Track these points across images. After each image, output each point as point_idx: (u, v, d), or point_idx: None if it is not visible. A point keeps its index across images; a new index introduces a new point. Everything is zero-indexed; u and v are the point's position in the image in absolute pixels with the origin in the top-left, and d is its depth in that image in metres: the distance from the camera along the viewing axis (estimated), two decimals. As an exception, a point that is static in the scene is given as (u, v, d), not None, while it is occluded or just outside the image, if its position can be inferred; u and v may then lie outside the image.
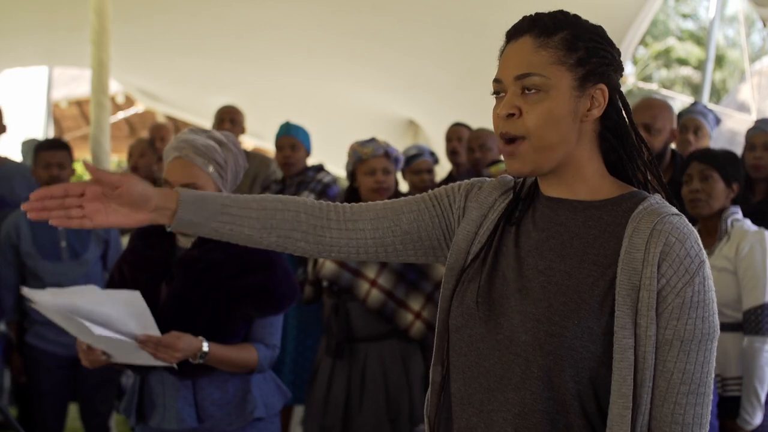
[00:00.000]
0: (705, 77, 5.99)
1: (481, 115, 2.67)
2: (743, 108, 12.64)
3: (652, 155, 1.42)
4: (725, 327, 2.90)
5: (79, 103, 11.51)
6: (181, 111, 8.29)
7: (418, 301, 3.16)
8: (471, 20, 5.14)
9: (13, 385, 4.13)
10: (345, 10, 5.44)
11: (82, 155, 8.42)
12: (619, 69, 1.38)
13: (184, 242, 2.31)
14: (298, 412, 4.29)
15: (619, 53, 1.39)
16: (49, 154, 3.75)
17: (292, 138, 4.19)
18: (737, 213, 2.95)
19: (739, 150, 3.77)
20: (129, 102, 10.44)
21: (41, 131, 8.35)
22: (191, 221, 1.39)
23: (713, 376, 1.30)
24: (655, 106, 3.36)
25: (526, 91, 1.32)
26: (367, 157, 3.38)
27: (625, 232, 1.30)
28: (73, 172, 3.87)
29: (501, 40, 1.42)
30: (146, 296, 2.12)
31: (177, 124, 10.04)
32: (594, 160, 1.38)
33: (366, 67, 6.30)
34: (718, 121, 4.16)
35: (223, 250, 2.19)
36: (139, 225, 1.37)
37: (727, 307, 2.90)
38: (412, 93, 6.67)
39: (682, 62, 18.24)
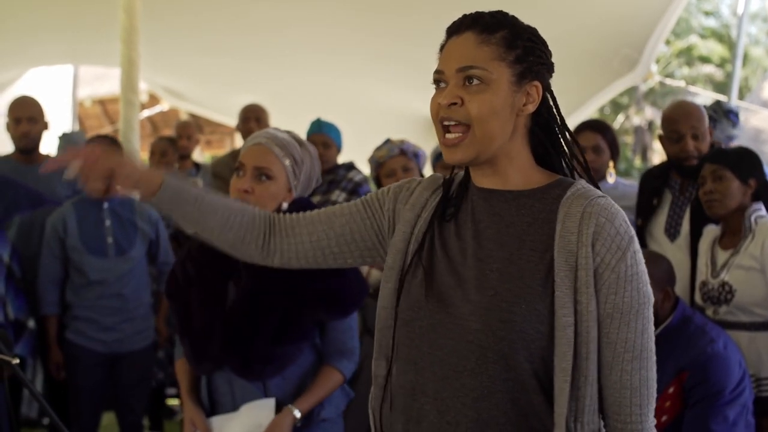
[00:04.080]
0: (734, 73, 5.94)
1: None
2: (767, 105, 12.53)
3: (580, 147, 1.53)
4: (757, 326, 2.89)
5: (102, 102, 11.60)
6: (206, 109, 8.31)
7: None
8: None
9: (45, 381, 4.15)
10: (369, 8, 5.44)
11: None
12: (551, 69, 1.49)
13: None
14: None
15: (550, 54, 1.49)
16: None
17: (324, 136, 4.17)
18: (760, 209, 2.93)
19: (764, 147, 3.72)
20: (153, 101, 10.49)
21: (67, 130, 8.40)
22: (167, 201, 1.53)
23: (653, 338, 1.42)
24: (693, 113, 3.32)
25: (467, 83, 1.42)
26: (383, 160, 3.39)
27: (557, 217, 1.40)
28: None
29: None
30: (213, 295, 2.11)
31: (200, 123, 10.09)
32: (524, 152, 1.48)
33: (390, 65, 6.29)
34: (727, 114, 3.94)
35: None
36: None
37: (757, 306, 2.89)
38: (436, 91, 6.65)
39: (704, 60, 18.12)
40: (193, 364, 2.23)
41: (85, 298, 3.74)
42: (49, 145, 4.98)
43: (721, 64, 17.84)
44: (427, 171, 4.14)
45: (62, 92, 9.17)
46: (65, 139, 4.84)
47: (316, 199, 4.11)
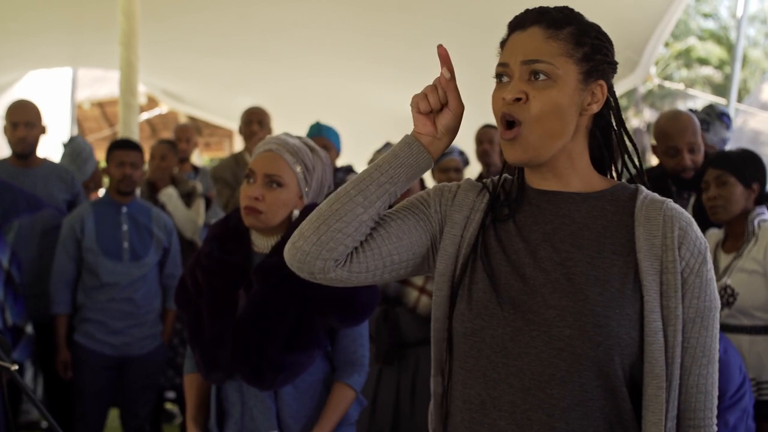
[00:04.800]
0: (733, 75, 5.93)
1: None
2: (766, 107, 12.55)
3: (638, 152, 1.48)
4: (759, 330, 2.89)
5: (101, 105, 11.60)
6: (205, 112, 8.32)
7: None
8: (498, 20, 5.12)
9: (45, 384, 4.14)
10: (370, 10, 5.44)
11: (103, 157, 8.45)
12: (615, 69, 1.44)
13: (262, 248, 2.20)
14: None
15: (614, 53, 1.44)
16: (123, 153, 3.84)
17: (323, 139, 4.17)
18: (764, 213, 2.93)
19: (763, 149, 3.70)
20: (151, 103, 10.49)
21: (66, 133, 8.40)
22: (419, 165, 1.43)
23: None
24: (688, 127, 3.31)
25: (533, 78, 1.36)
26: None
27: (635, 220, 1.37)
28: (144, 173, 3.93)
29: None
30: (223, 303, 2.08)
31: (198, 125, 10.09)
32: (585, 154, 1.43)
33: (391, 67, 6.29)
34: (720, 117, 3.91)
35: None
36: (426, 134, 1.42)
37: (759, 310, 2.88)
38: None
39: (703, 62, 18.14)
40: (204, 373, 2.19)
41: (96, 300, 3.75)
42: (46, 149, 4.97)
43: (720, 66, 17.86)
44: (427, 175, 4.14)
45: (61, 95, 9.16)
46: (71, 145, 4.84)
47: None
